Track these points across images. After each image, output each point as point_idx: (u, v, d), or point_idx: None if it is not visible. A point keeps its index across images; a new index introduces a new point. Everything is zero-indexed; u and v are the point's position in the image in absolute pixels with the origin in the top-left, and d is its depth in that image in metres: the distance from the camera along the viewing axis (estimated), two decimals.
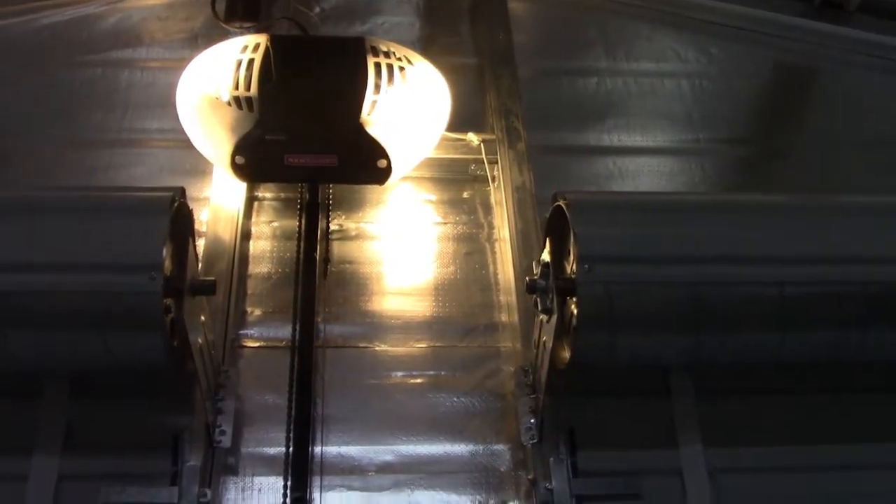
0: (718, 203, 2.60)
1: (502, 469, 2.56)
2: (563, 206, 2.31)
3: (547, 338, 2.38)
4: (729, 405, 2.59)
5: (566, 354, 2.36)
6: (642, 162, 3.36)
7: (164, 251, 2.09)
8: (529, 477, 2.50)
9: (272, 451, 2.51)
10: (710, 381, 2.57)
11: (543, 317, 2.41)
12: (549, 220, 2.42)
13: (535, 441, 2.50)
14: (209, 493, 2.33)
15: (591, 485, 2.41)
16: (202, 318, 2.37)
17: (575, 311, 2.27)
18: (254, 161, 2.74)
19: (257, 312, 2.82)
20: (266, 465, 2.50)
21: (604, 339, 2.29)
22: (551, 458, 2.43)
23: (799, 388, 2.63)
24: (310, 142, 2.76)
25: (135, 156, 3.20)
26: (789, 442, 2.55)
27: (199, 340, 2.30)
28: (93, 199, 2.34)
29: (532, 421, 2.52)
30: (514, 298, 2.84)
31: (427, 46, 3.60)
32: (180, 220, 2.24)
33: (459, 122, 3.13)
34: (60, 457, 2.34)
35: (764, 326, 2.32)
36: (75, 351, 2.18)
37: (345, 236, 3.03)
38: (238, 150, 2.71)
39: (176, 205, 2.20)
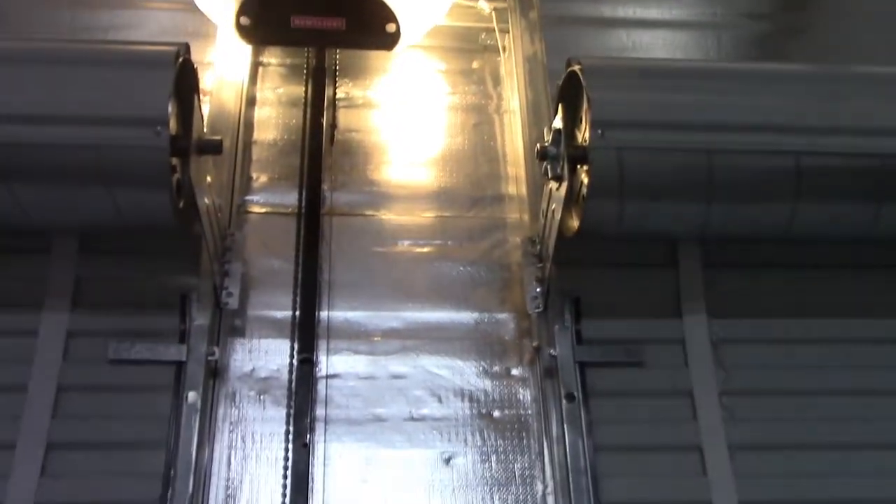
0: (736, 71, 2.54)
1: (507, 337, 2.58)
2: (578, 72, 2.25)
3: (556, 206, 2.36)
4: (734, 278, 2.59)
5: (574, 223, 2.35)
6: (657, 35, 3.27)
7: (170, 106, 2.05)
8: (534, 344, 2.52)
9: (279, 314, 2.53)
10: (716, 254, 2.57)
11: (553, 185, 2.38)
12: (562, 87, 2.37)
13: (540, 310, 2.52)
14: (217, 351, 2.35)
15: (594, 352, 2.44)
16: (208, 179, 2.34)
17: (585, 180, 2.24)
18: (259, 22, 2.66)
19: (263, 179, 2.80)
20: (273, 329, 2.52)
21: (613, 207, 2.27)
22: (556, 326, 2.45)
23: (803, 264, 2.62)
24: (317, 3, 2.67)
25: (136, 17, 3.11)
26: (791, 315, 2.56)
27: (206, 201, 2.29)
28: (97, 52, 2.28)
29: (538, 290, 2.53)
30: (521, 170, 2.81)
31: None
32: (185, 77, 2.19)
33: None
34: (69, 313, 2.35)
35: (777, 198, 2.30)
36: (83, 206, 2.17)
37: (351, 104, 2.97)
38: (243, 10, 2.63)
39: (181, 60, 2.14)
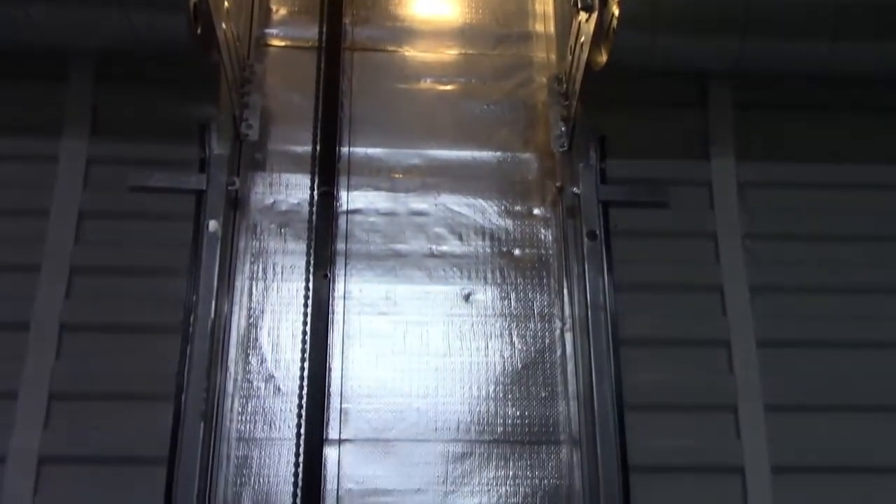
0: None
1: (529, 177, 2.54)
2: None
3: (584, 39, 2.28)
4: (765, 120, 2.52)
5: (602, 58, 2.27)
6: None
7: None
8: (557, 185, 2.49)
9: (299, 149, 2.50)
10: (747, 95, 2.49)
11: (582, 17, 2.29)
12: None
13: (564, 149, 2.47)
14: (237, 181, 2.33)
15: (618, 191, 2.40)
16: (226, 4, 2.26)
17: (616, 11, 2.15)
18: None
19: (283, 12, 2.71)
20: (293, 163, 2.49)
21: (644, 39, 2.19)
22: (580, 165, 2.40)
23: (835, 107, 2.54)
24: None
25: None
26: (821, 159, 2.49)
27: (224, 27, 2.22)
28: None
29: (563, 128, 2.47)
30: (549, 7, 2.70)
31: None
32: None
33: None
34: (88, 140, 2.33)
35: (815, 32, 2.20)
36: (98, 27, 2.11)
37: None
38: None
39: None
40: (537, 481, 2.24)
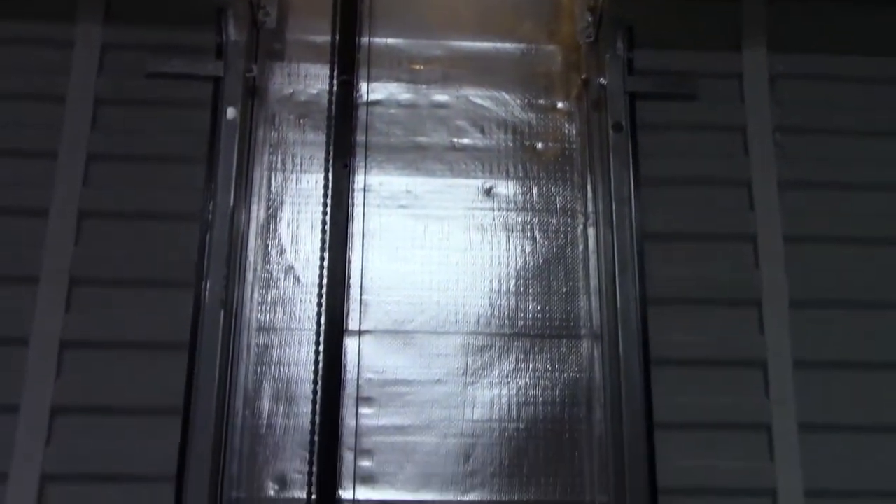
0: None
1: (554, 69, 2.48)
2: None
3: None
4: (799, 10, 2.43)
5: None
6: None
7: None
8: (582, 77, 2.43)
9: (318, 39, 2.44)
10: None
11: None
12: None
13: (591, 39, 2.40)
14: (255, 69, 2.28)
15: (646, 83, 2.34)
16: None
17: None
18: None
19: None
20: (312, 53, 2.43)
21: None
22: (607, 55, 2.33)
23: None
24: None
25: None
26: (857, 52, 2.41)
27: None
28: None
29: (589, 19, 2.40)
30: None
31: None
32: None
33: None
34: (103, 25, 2.28)
35: None
36: None
37: None
38: None
39: None
40: (557, 374, 2.23)
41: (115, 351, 2.12)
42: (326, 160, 2.30)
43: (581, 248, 2.33)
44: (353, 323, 2.23)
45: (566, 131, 2.42)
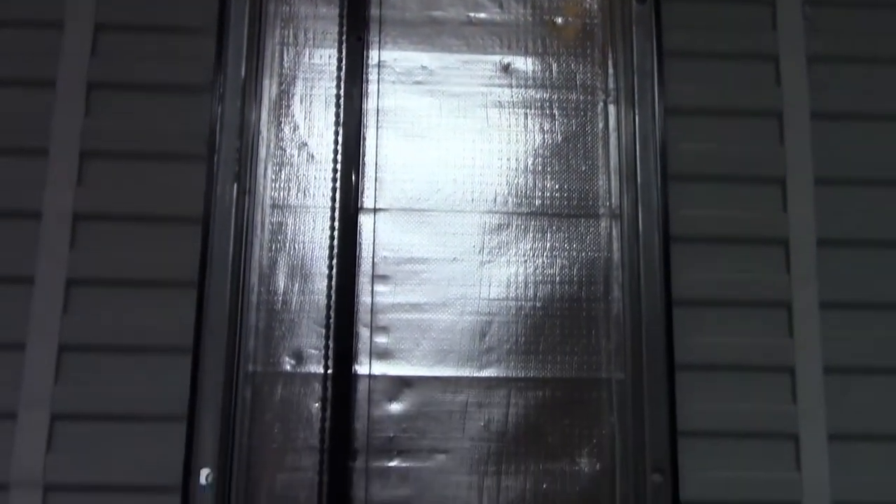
0: None
1: None
2: None
3: None
4: None
5: None
6: None
7: None
8: None
9: None
10: None
11: None
12: None
13: None
14: None
15: None
16: None
17: None
18: None
19: None
20: None
21: None
22: None
23: None
24: None
25: None
26: None
27: None
28: None
29: None
30: None
31: None
32: None
33: None
34: None
35: None
36: None
37: None
38: None
39: None
40: (575, 253, 2.20)
41: (129, 224, 2.09)
42: (340, 34, 2.23)
43: (601, 125, 2.27)
44: (367, 201, 2.20)
45: (587, 5, 2.34)
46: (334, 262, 2.13)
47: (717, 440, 2.07)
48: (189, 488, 1.94)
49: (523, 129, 2.26)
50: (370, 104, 2.24)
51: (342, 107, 2.18)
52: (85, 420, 2.00)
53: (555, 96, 2.27)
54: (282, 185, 2.20)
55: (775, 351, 2.12)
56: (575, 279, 2.20)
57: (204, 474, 1.95)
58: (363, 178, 2.20)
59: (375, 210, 2.20)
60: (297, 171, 2.21)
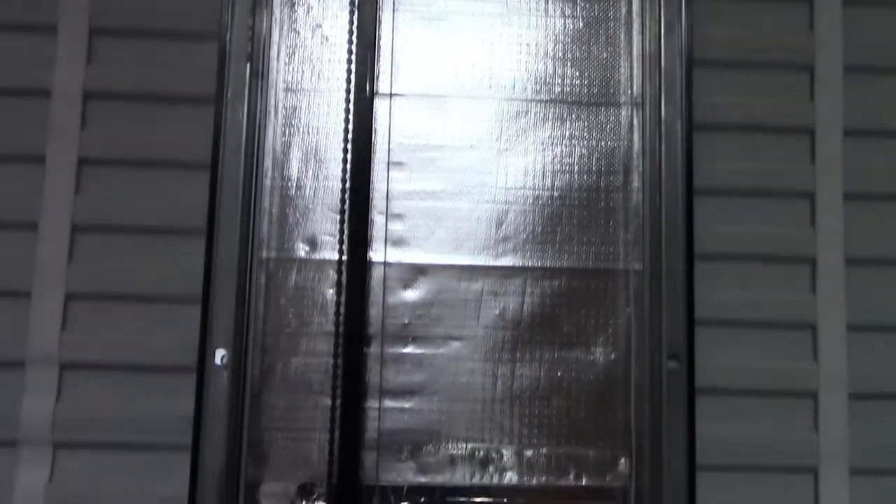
0: None
1: None
2: None
3: None
4: None
5: None
6: None
7: None
8: None
9: None
10: None
11: None
12: None
13: None
14: None
15: None
16: None
17: None
18: None
19: None
20: None
21: None
22: None
23: None
24: None
25: None
26: None
27: None
28: None
29: None
30: None
31: None
32: None
33: None
34: None
35: None
36: None
37: None
38: None
39: None
40: (594, 142, 2.15)
41: (140, 103, 2.05)
42: None
43: (624, 10, 2.20)
44: (383, 85, 2.15)
45: None
46: (349, 147, 2.09)
47: (734, 329, 2.05)
48: (205, 368, 1.94)
49: (544, 14, 2.19)
50: None
51: None
52: (99, 300, 1.99)
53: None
54: (295, 69, 2.15)
55: (796, 241, 2.08)
56: (594, 168, 2.15)
57: (219, 355, 1.95)
58: (379, 61, 2.14)
59: (391, 95, 2.15)
60: (311, 53, 2.16)
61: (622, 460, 2.06)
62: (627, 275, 2.11)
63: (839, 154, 2.09)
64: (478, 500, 2.04)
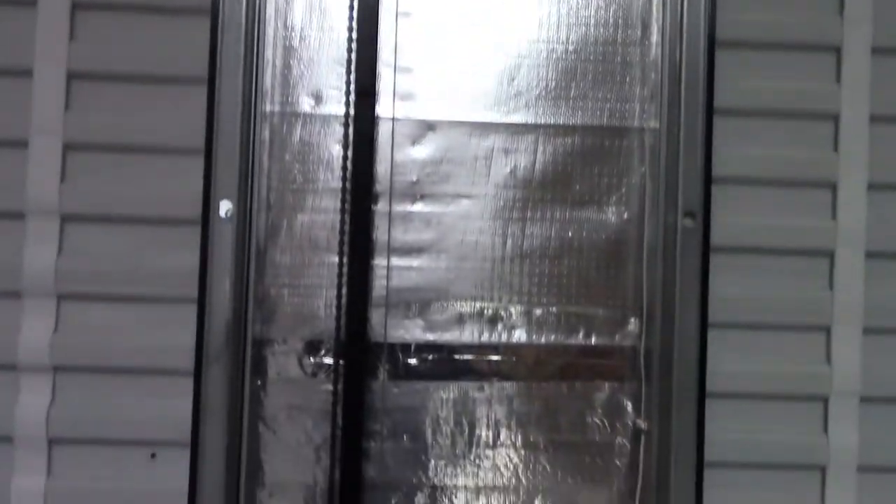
0: None
1: None
2: None
3: None
4: None
5: None
6: None
7: None
8: None
9: None
10: None
11: None
12: None
13: None
14: None
15: None
16: None
17: None
18: None
19: None
20: None
21: None
22: None
23: None
24: None
25: None
26: None
27: None
28: None
29: None
30: None
31: None
32: None
33: None
34: None
35: None
36: None
37: None
38: None
39: None
40: None
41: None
42: None
43: None
44: None
45: None
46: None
47: (751, 187, 2.00)
48: (209, 220, 1.90)
49: None
50: None
51: None
52: (98, 150, 1.93)
53: None
54: None
55: (820, 96, 2.01)
56: (611, 21, 2.07)
57: (224, 207, 1.90)
58: None
59: None
60: None
61: (632, 320, 2.04)
62: (643, 133, 2.05)
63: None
64: (486, 357, 2.03)
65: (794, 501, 1.99)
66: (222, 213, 1.90)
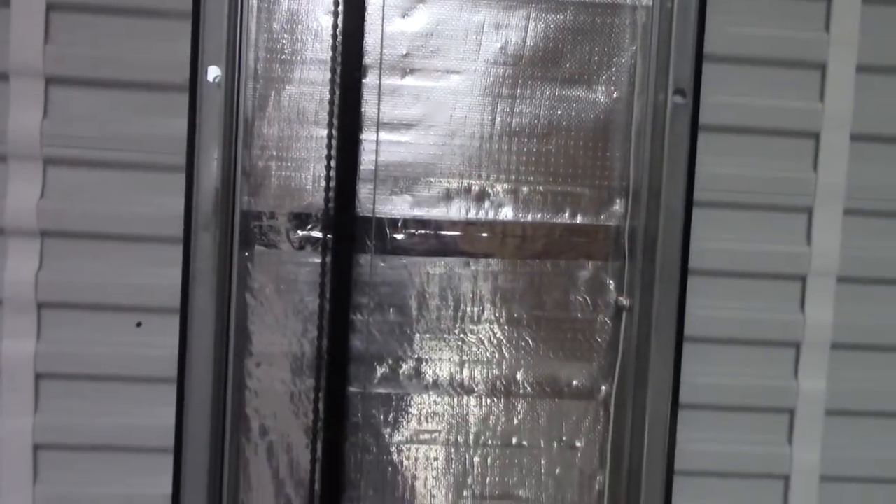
0: None
1: None
2: None
3: None
4: None
5: None
6: None
7: None
8: None
9: None
10: None
11: None
12: None
13: None
14: None
15: None
16: None
17: None
18: None
19: None
20: None
21: None
22: None
23: None
24: None
25: None
26: None
27: None
28: None
29: None
30: None
31: None
32: None
33: None
34: None
35: None
36: None
37: None
38: None
39: None
40: None
41: None
42: None
43: None
44: None
45: None
46: None
47: (741, 66, 2.00)
48: (197, 85, 1.87)
49: None
50: None
51: None
52: (83, 11, 1.89)
53: None
54: None
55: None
56: None
57: (212, 73, 1.88)
58: None
59: None
60: None
61: (618, 199, 2.06)
62: (635, 10, 2.03)
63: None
64: (472, 234, 2.05)
65: (770, 374, 2.05)
66: (210, 78, 1.88)
